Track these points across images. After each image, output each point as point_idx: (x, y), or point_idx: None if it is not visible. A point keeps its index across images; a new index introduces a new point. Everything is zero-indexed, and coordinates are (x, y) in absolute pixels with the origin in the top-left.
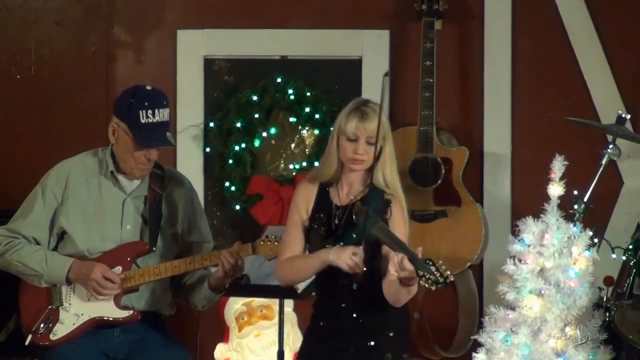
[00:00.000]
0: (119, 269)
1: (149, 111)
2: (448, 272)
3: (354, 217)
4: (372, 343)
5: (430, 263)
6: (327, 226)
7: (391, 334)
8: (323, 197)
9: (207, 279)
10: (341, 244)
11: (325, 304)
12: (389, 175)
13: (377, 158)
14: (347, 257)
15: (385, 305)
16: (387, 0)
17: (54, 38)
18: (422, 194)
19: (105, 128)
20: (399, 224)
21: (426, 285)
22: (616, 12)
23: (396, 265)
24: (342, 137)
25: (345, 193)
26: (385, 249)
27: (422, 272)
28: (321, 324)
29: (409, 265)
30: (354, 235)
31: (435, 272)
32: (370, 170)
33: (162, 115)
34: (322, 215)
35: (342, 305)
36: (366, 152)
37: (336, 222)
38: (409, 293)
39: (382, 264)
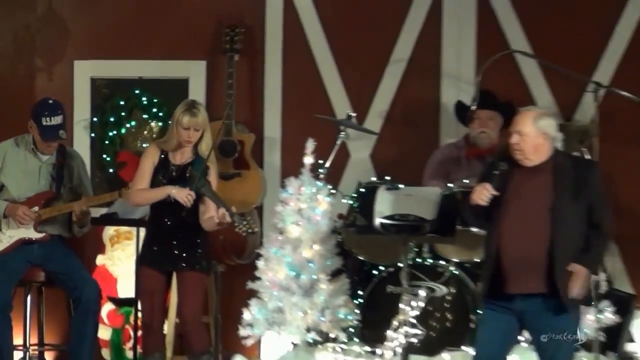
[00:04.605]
0: (35, 208)
1: (48, 117)
2: (254, 226)
3: (188, 177)
4: (185, 255)
5: (242, 218)
6: (167, 178)
7: (199, 251)
8: (165, 158)
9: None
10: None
11: (157, 221)
12: (206, 149)
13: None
14: (184, 196)
15: (197, 232)
16: (206, 40)
17: None
18: (225, 162)
19: (27, 122)
20: (213, 182)
21: (239, 232)
22: (348, 32)
23: (219, 217)
24: (179, 126)
25: (179, 157)
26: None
27: (237, 224)
28: (153, 234)
29: (228, 218)
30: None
31: (245, 225)
32: (195, 145)
33: (56, 120)
34: (163, 170)
35: (169, 222)
36: (194, 136)
37: (173, 174)
38: (216, 226)
39: (200, 206)
